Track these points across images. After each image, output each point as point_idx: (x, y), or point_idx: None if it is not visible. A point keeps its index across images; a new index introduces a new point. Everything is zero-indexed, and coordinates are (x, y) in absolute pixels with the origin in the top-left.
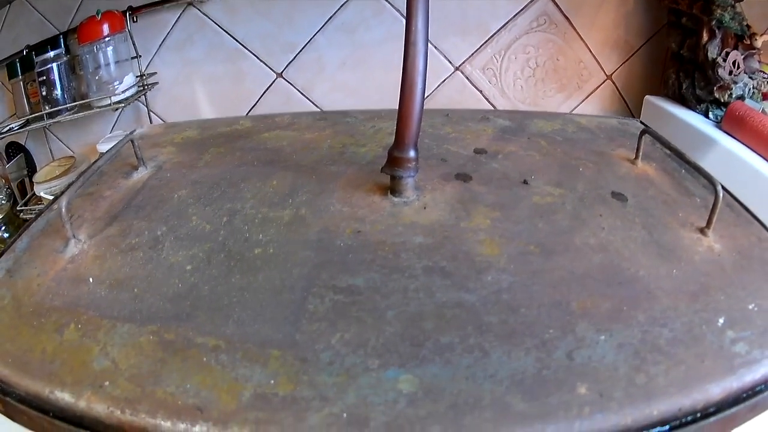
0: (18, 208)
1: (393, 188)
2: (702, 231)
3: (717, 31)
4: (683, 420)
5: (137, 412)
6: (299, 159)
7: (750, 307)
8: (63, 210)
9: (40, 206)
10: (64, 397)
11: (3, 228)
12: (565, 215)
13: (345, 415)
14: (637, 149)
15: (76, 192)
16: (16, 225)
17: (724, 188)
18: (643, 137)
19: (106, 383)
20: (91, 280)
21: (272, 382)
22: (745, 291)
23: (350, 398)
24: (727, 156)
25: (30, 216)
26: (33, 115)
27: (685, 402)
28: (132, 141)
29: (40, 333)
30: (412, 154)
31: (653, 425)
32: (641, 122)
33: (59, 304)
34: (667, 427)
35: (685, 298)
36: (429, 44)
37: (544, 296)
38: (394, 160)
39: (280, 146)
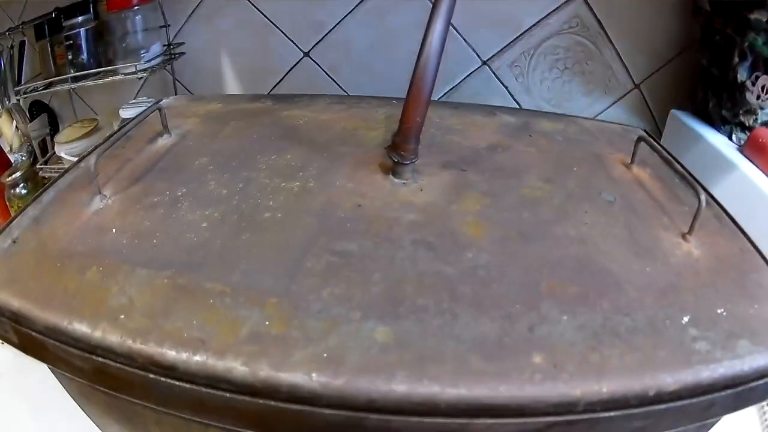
0: (38, 166)
1: (394, 170)
2: (683, 236)
3: (749, 54)
4: (632, 402)
5: (147, 341)
6: (313, 137)
7: (719, 311)
8: (92, 167)
9: (59, 166)
10: (81, 327)
11: (22, 185)
12: (551, 208)
13: (325, 354)
14: (633, 153)
15: (105, 152)
16: (36, 183)
17: (713, 198)
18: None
19: (122, 316)
20: (113, 230)
21: (267, 323)
22: (716, 295)
23: (332, 341)
24: (744, 182)
25: (50, 174)
26: (57, 78)
27: (635, 385)
28: (160, 109)
29: (62, 274)
30: (413, 142)
31: (603, 402)
32: (643, 129)
33: (83, 250)
34: (616, 412)
35: (652, 293)
36: (458, 36)
37: (516, 276)
38: (396, 146)
39: (297, 125)
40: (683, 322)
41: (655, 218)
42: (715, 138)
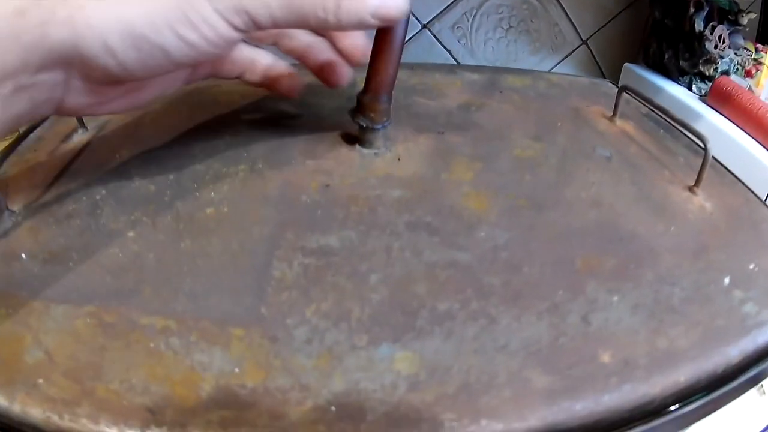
0: None
1: (362, 139)
2: (691, 189)
3: (705, 4)
4: (703, 385)
5: (77, 417)
6: (253, 112)
7: (751, 267)
8: None
9: None
10: None
11: None
12: (550, 168)
13: (333, 408)
14: (615, 106)
15: (11, 160)
16: None
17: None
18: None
19: (40, 380)
20: (24, 255)
21: (237, 369)
22: (742, 250)
23: (337, 385)
24: (713, 131)
25: None
26: None
27: (707, 365)
28: None
29: None
30: (385, 101)
31: (681, 393)
32: (612, 83)
33: None
34: (703, 394)
35: (687, 256)
36: None
37: (545, 253)
38: (364, 107)
39: (232, 100)
40: (725, 284)
41: (657, 172)
42: (675, 89)
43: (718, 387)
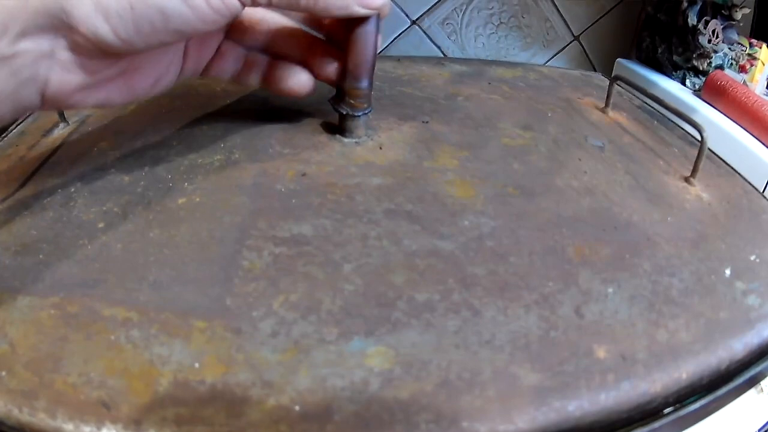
0: None
1: (343, 127)
2: (687, 180)
3: None
4: (705, 383)
5: (35, 411)
6: (233, 104)
7: (752, 258)
8: None
9: None
10: None
11: None
12: (541, 157)
13: (297, 407)
14: (608, 97)
15: None
16: None
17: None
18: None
19: (3, 373)
20: None
21: (197, 364)
22: (743, 241)
23: (303, 382)
24: (708, 125)
25: None
26: None
27: (711, 361)
28: None
29: None
30: (366, 86)
31: (682, 391)
32: (604, 75)
33: None
34: (706, 392)
35: (686, 245)
36: None
37: (535, 242)
38: (345, 93)
39: (213, 92)
40: (727, 275)
41: (651, 162)
42: (668, 84)
43: (722, 384)
